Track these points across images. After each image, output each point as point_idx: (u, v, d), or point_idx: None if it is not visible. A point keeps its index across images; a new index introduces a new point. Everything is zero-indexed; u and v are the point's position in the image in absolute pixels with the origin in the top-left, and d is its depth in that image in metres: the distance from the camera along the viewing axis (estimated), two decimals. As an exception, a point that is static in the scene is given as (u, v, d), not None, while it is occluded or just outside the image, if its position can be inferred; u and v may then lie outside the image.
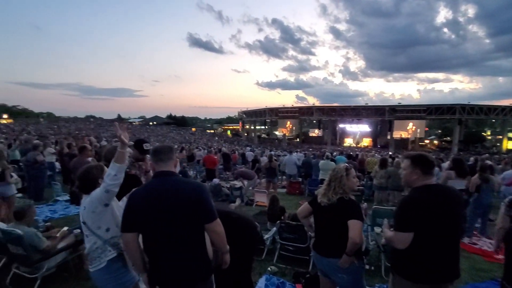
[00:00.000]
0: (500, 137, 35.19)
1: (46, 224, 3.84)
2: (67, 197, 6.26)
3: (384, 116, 33.54)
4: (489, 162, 5.74)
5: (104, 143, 14.61)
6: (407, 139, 35.53)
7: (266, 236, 3.93)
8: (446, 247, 1.69)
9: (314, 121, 43.39)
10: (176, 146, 19.35)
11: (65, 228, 3.32)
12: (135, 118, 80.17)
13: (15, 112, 60.66)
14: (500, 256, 2.52)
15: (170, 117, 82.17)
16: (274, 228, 3.94)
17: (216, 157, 9.98)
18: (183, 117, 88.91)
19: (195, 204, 1.54)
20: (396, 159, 7.14)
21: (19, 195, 5.25)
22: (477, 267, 3.50)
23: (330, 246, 2.01)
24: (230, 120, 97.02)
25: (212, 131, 65.59)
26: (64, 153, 7.31)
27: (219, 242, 1.64)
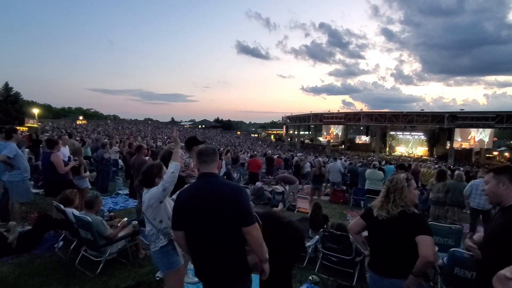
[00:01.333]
0: None
1: (110, 214, 4.36)
2: (127, 191, 6.96)
3: (442, 123, 30.21)
4: None
5: (159, 143, 15.94)
6: (471, 149, 31.30)
7: (308, 244, 3.85)
8: None
9: (362, 128, 41.12)
10: (222, 149, 20.15)
11: (125, 219, 3.71)
12: (185, 122, 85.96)
13: (88, 114, 70.32)
14: None
15: (217, 120, 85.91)
16: (317, 236, 3.84)
17: (260, 160, 10.11)
18: (229, 121, 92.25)
19: (232, 206, 1.58)
20: (457, 172, 6.36)
21: (89, 187, 6.02)
22: None
23: (392, 265, 1.81)
24: (274, 124, 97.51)
25: (256, 135, 66.64)
26: (125, 152, 8.20)
27: (255, 247, 1.63)
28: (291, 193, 7.42)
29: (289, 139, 52.25)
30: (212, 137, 46.52)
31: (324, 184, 10.16)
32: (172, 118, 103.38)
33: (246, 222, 1.59)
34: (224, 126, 76.97)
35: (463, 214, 5.80)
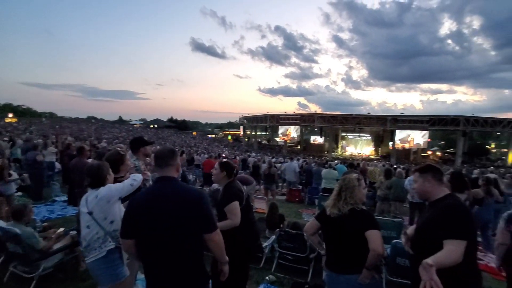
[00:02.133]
0: (506, 150, 35.16)
1: (44, 224, 3.81)
2: (65, 198, 6.20)
3: (386, 125, 33.62)
4: (493, 176, 5.65)
5: (104, 144, 14.60)
6: (410, 149, 35.43)
7: (265, 244, 3.87)
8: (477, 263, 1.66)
9: (316, 129, 43.44)
10: (176, 149, 19.31)
11: (61, 229, 3.29)
12: (136, 121, 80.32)
13: (19, 111, 60.95)
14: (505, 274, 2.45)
15: (171, 120, 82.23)
16: (273, 236, 3.89)
17: (215, 162, 9.91)
18: (184, 121, 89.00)
19: (194, 212, 1.50)
20: (398, 170, 7.08)
21: (19, 193, 5.21)
22: (486, 286, 3.32)
23: (347, 262, 1.87)
24: (231, 125, 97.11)
25: (213, 135, 65.58)
26: (64, 153, 7.30)
27: (217, 252, 1.61)
28: (248, 194, 7.43)
29: (246, 139, 52.58)
30: (166, 137, 44.32)
31: (280, 184, 10.43)
32: (120, 116, 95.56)
33: (209, 229, 1.54)
34: (179, 126, 73.98)
35: (403, 208, 6.45)
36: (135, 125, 62.47)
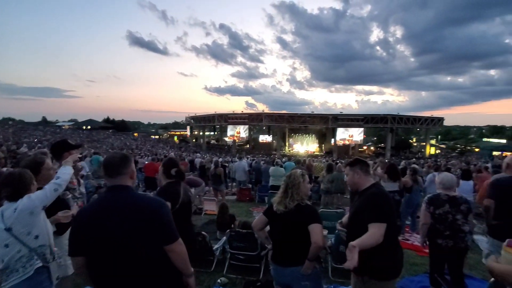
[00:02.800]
0: (424, 143, 41.20)
1: None
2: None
3: (328, 124, 36.42)
4: (416, 166, 6.62)
5: (24, 149, 12.49)
6: (349, 145, 39.01)
7: (216, 246, 3.76)
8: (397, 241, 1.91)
9: (264, 128, 44.51)
10: (129, 154, 17.54)
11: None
12: (64, 122, 70.66)
13: None
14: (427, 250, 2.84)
15: (107, 120, 74.76)
16: (224, 238, 3.80)
17: (159, 164, 9.31)
18: (123, 121, 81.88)
19: (153, 223, 1.37)
20: (338, 164, 7.68)
21: None
22: (411, 261, 3.82)
23: (292, 255, 1.95)
24: (177, 125, 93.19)
25: (157, 136, 61.83)
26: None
27: (180, 263, 1.48)
28: (197, 196, 7.18)
29: (194, 140, 50.98)
30: (101, 139, 40.03)
31: (230, 184, 10.36)
32: (44, 117, 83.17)
33: (170, 239, 1.42)
34: (117, 127, 67.58)
35: (345, 199, 7.02)
36: (63, 127, 54.82)
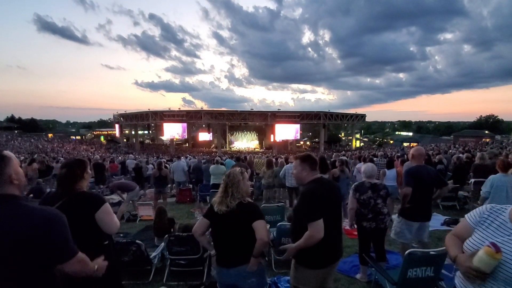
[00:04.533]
0: (350, 137, 46.77)
1: None
2: None
3: (267, 120, 37.76)
4: (345, 158, 7.34)
5: None
6: (287, 141, 41.21)
7: (153, 254, 3.47)
8: (336, 231, 1.99)
9: (204, 125, 43.45)
10: (22, 158, 14.79)
11: None
12: None
13: None
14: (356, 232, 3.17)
15: (12, 119, 62.34)
16: (162, 244, 3.52)
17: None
18: (32, 120, 69.47)
19: (42, 241, 1.13)
20: (280, 160, 7.97)
21: None
22: (343, 244, 4.20)
23: (237, 255, 1.91)
24: (103, 124, 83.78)
25: (78, 137, 54.30)
26: None
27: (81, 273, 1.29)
28: (130, 201, 6.55)
29: (125, 140, 46.50)
30: (3, 143, 33.12)
31: (169, 185, 9.77)
32: None
33: (65, 257, 1.22)
34: (25, 126, 57.05)
35: (285, 193, 7.32)
36: None
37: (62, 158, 15.68)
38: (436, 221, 4.97)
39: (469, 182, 5.16)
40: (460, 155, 9.48)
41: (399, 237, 3.22)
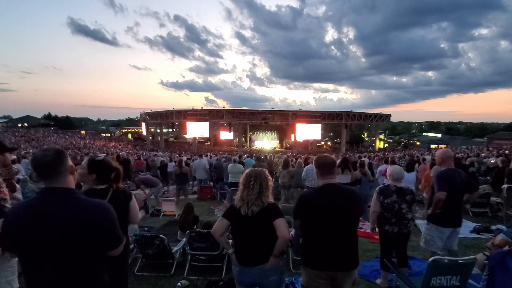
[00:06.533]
0: (374, 138, 45.41)
1: None
2: None
3: (288, 120, 37.61)
4: (367, 159, 7.10)
5: None
6: (308, 141, 40.78)
7: (175, 249, 3.61)
8: (332, 239, 1.88)
9: (225, 124, 44.09)
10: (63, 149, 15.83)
11: None
12: (-5, 118, 61.45)
13: None
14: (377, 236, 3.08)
15: (49, 117, 67.03)
16: (184, 239, 3.66)
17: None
18: (67, 118, 74.29)
19: (95, 232, 1.25)
20: (298, 160, 7.91)
21: None
22: (364, 248, 4.07)
23: (260, 254, 1.92)
24: (130, 122, 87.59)
25: (108, 134, 57.23)
26: None
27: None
28: (153, 197, 6.84)
29: (150, 137, 48.36)
30: (41, 138, 35.67)
31: (191, 183, 10.06)
32: (-35, 113, 71.29)
33: (114, 245, 1.37)
34: (61, 124, 60.97)
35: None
36: (-6, 124, 47.67)
37: (91, 153, 16.65)
38: (465, 228, 4.69)
39: (503, 187, 4.81)
40: (495, 158, 8.86)
41: (429, 246, 3.03)
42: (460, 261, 2.29)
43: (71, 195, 1.28)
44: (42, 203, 1.24)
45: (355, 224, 2.02)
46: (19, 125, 49.98)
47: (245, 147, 40.64)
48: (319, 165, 2.02)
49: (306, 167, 6.52)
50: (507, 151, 15.78)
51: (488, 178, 7.06)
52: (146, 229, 5.06)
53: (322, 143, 47.96)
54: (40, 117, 63.31)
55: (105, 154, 2.27)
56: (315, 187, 1.99)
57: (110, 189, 1.89)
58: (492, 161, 7.13)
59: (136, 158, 13.86)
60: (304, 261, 1.99)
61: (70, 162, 1.32)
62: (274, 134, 44.33)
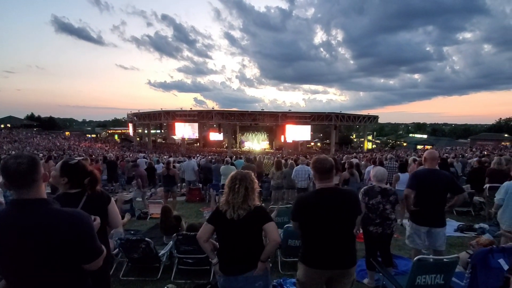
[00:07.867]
0: (362, 139, 46.18)
1: None
2: None
3: (277, 121, 37.67)
4: (355, 160, 7.18)
5: None
6: (298, 142, 41.00)
7: (161, 252, 3.53)
8: (331, 239, 1.91)
9: (215, 125, 43.79)
10: (41, 155, 15.35)
11: None
12: (-27, 119, 58.75)
13: None
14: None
15: (32, 117, 64.74)
16: (171, 242, 3.58)
17: (92, 166, 8.39)
18: (51, 118, 71.90)
19: (70, 244, 1.18)
20: (290, 161, 7.92)
21: None
22: None
23: (245, 262, 1.86)
24: (117, 123, 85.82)
25: (94, 135, 55.83)
26: None
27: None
28: (139, 199, 6.70)
29: (138, 138, 47.47)
30: (24, 139, 34.46)
31: (179, 184, 9.90)
32: None
33: (91, 258, 1.27)
34: (44, 124, 59.01)
35: (295, 195, 7.29)
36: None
37: (76, 155, 16.16)
38: (450, 227, 4.81)
39: (485, 187, 4.97)
40: (477, 159, 9.16)
41: (410, 242, 3.16)
42: (444, 260, 2.34)
43: (44, 206, 1.20)
44: (12, 216, 1.16)
45: (352, 225, 2.03)
46: (1, 126, 48.02)
47: (235, 148, 40.47)
48: (316, 170, 1.98)
49: (295, 168, 6.54)
50: (485, 152, 16.40)
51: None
52: (132, 232, 4.94)
53: (312, 144, 48.45)
54: (23, 118, 61.09)
55: (82, 157, 2.18)
56: (312, 190, 2.03)
57: (85, 193, 1.78)
58: (472, 163, 7.37)
59: (121, 160, 13.56)
60: (302, 259, 2.00)
61: (43, 169, 1.25)
62: (264, 135, 44.33)
